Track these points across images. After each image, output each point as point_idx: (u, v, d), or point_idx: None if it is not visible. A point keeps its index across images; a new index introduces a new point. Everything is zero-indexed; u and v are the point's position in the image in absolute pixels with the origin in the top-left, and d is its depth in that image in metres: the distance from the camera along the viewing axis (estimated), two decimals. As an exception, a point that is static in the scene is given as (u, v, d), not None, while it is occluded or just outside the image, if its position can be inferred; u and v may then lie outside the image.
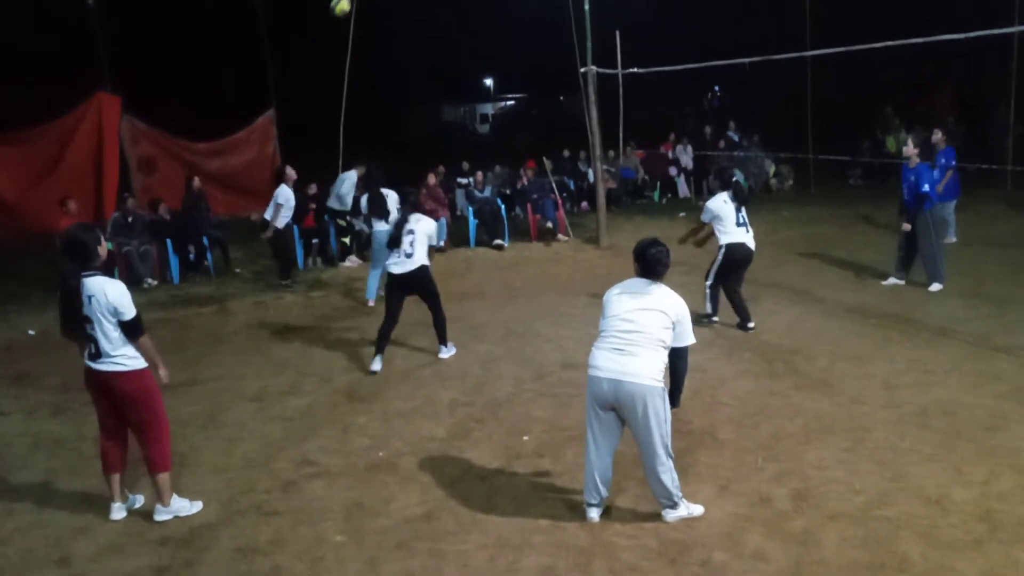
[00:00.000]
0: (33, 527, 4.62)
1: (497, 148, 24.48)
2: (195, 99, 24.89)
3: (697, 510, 4.35)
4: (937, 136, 10.26)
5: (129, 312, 4.30)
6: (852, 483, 4.63)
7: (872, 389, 6.05)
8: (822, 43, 11.20)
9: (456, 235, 12.80)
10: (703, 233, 7.91)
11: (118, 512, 4.65)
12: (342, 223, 11.70)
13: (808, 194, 16.20)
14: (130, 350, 4.37)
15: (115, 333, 4.31)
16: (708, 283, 7.77)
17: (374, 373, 6.94)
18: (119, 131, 12.24)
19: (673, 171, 17.38)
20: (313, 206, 11.72)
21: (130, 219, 10.82)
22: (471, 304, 9.24)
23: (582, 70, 12.00)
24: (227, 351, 7.95)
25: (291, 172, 10.17)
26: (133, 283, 10.19)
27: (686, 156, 17.51)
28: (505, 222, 12.89)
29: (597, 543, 4.15)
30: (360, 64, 12.57)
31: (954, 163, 10.45)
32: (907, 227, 8.61)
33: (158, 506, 4.59)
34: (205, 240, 11.25)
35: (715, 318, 7.88)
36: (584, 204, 15.57)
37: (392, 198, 8.68)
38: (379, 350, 7.04)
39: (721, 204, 7.52)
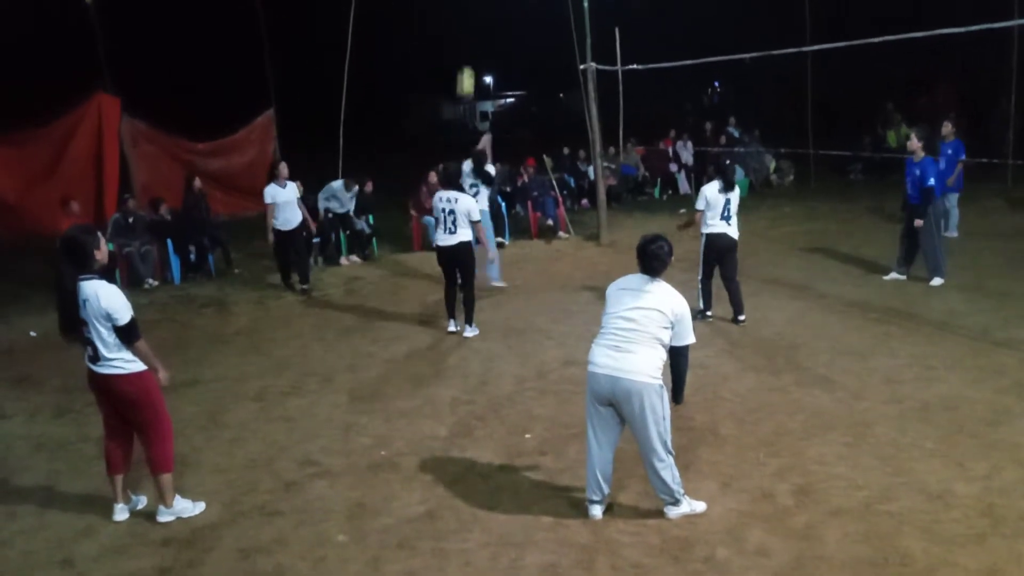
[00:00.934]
0: (36, 529, 4.62)
1: (497, 145, 24.39)
2: (195, 99, 24.92)
3: (699, 506, 4.35)
4: (947, 128, 10.24)
5: (123, 317, 4.25)
6: (854, 478, 4.63)
7: (873, 384, 6.04)
8: (822, 40, 11.18)
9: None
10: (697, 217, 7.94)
11: (121, 513, 4.65)
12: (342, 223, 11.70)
13: (808, 190, 16.15)
14: (128, 353, 4.35)
15: (111, 337, 4.28)
16: (699, 278, 7.81)
17: (452, 333, 7.81)
18: (119, 131, 12.25)
19: (673, 167, 17.34)
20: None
21: (131, 220, 10.80)
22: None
23: (582, 67, 11.98)
24: (228, 351, 7.94)
25: (283, 169, 9.78)
26: (134, 284, 10.15)
27: (686, 152, 17.47)
28: (506, 220, 12.88)
29: (599, 540, 4.15)
30: (360, 62, 12.57)
31: (963, 155, 10.44)
32: (919, 223, 8.50)
33: (161, 507, 4.59)
34: (206, 240, 11.24)
35: (708, 313, 7.88)
36: (584, 201, 15.55)
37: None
38: (450, 314, 7.85)
39: (714, 192, 7.55)
